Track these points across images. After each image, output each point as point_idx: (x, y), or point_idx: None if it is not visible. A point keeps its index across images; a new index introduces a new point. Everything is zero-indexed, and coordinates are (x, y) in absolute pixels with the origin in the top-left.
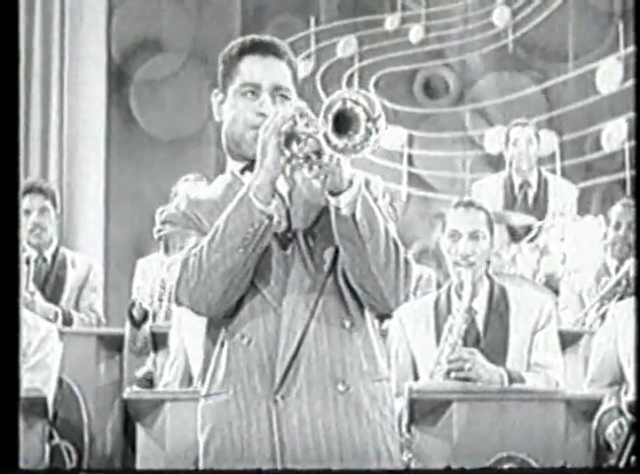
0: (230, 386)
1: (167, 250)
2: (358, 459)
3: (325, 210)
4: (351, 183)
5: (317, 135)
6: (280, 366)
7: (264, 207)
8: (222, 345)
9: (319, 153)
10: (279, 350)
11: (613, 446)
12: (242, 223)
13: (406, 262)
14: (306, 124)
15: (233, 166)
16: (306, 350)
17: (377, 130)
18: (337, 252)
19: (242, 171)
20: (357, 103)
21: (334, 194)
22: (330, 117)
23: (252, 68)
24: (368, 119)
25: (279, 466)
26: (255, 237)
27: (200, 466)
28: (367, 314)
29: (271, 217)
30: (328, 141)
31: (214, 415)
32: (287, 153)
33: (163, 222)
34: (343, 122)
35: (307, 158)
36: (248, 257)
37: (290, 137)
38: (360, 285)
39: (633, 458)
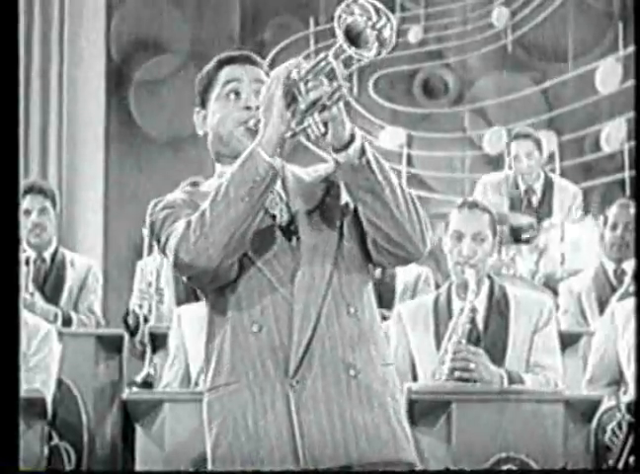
0: (241, 375)
1: (159, 238)
2: (373, 443)
3: (323, 199)
4: (352, 136)
5: (321, 74)
6: (296, 352)
7: (270, 159)
8: (228, 334)
9: (320, 101)
10: (293, 335)
11: (612, 447)
12: (249, 174)
13: (422, 212)
14: (306, 72)
15: (222, 170)
16: (320, 335)
17: (389, 19)
18: (341, 240)
19: None
20: (352, 14)
21: (339, 149)
22: (342, 35)
23: (231, 72)
24: (373, 27)
25: (300, 452)
26: (260, 187)
27: (209, 461)
28: (372, 302)
29: (276, 170)
30: (353, 53)
31: (225, 406)
32: (289, 113)
33: (163, 208)
34: (355, 36)
35: (312, 105)
36: (251, 209)
37: (291, 93)
38: (387, 239)
39: (632, 459)
